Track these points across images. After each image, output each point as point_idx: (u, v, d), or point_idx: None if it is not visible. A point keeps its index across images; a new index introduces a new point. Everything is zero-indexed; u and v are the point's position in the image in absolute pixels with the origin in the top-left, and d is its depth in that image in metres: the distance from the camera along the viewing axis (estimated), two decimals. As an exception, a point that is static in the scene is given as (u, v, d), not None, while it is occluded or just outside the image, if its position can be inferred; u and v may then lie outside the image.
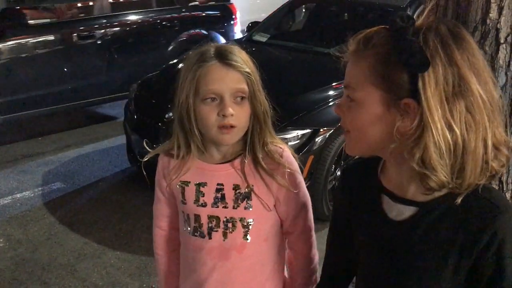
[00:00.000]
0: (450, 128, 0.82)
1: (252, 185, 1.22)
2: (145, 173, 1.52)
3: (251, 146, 1.22)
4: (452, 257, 0.88)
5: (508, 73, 1.15)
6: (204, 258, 1.27)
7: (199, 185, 1.25)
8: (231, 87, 1.15)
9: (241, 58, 1.18)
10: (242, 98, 1.17)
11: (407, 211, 0.94)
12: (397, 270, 0.95)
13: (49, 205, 3.54)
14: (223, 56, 1.16)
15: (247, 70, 1.16)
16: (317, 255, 1.34)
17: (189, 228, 1.28)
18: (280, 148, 1.25)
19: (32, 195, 3.67)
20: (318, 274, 1.26)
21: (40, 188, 3.76)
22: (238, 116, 1.16)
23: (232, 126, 1.16)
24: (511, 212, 0.88)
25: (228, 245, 1.24)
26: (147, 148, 1.34)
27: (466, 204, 0.88)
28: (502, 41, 1.14)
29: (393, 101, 0.86)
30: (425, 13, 0.88)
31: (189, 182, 1.26)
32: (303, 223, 1.30)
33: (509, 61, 1.14)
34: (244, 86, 1.16)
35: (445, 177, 0.84)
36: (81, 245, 3.07)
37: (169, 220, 1.38)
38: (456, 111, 0.82)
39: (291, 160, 1.25)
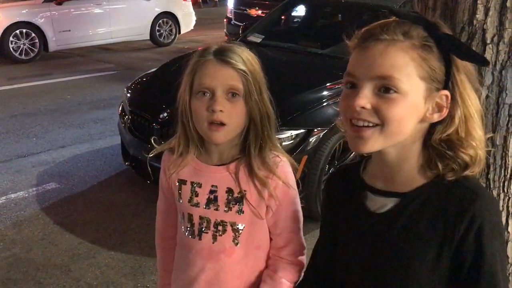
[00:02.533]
0: (479, 112, 0.92)
1: (245, 191, 1.21)
2: (150, 171, 1.53)
3: (247, 150, 1.21)
4: (434, 245, 0.90)
5: (494, 72, 1.16)
6: (193, 258, 1.27)
7: (194, 184, 1.25)
8: (223, 83, 1.14)
9: (241, 56, 1.16)
10: (235, 95, 1.15)
11: (389, 203, 0.95)
12: (381, 261, 0.97)
13: (44, 205, 3.54)
14: (220, 53, 1.16)
15: (243, 68, 1.15)
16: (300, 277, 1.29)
17: (183, 227, 1.29)
18: (279, 158, 1.23)
19: (27, 195, 3.67)
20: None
21: (34, 189, 3.76)
22: (230, 113, 1.14)
23: (222, 124, 1.15)
24: (488, 197, 0.91)
25: (217, 248, 1.24)
26: (154, 145, 1.33)
27: (444, 192, 0.90)
28: (488, 41, 1.16)
29: (431, 93, 0.89)
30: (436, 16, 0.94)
31: (186, 180, 1.26)
32: (293, 241, 1.27)
33: (495, 61, 1.15)
34: (237, 84, 1.14)
35: (483, 154, 0.91)
36: (75, 245, 3.08)
37: (165, 217, 1.39)
38: (475, 96, 0.91)
39: (286, 173, 1.22)
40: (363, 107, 0.87)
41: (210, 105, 1.14)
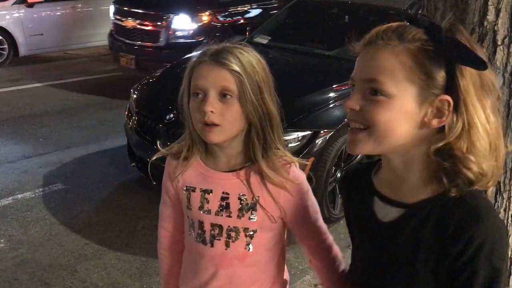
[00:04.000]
0: (489, 123, 0.85)
1: (258, 196, 1.20)
2: (150, 173, 1.52)
3: (254, 155, 1.20)
4: (432, 258, 0.89)
5: (505, 74, 1.15)
6: (205, 265, 1.26)
7: (204, 191, 1.24)
8: (215, 84, 1.13)
9: (238, 57, 1.15)
10: (227, 96, 1.14)
11: (395, 213, 0.94)
12: (383, 271, 0.97)
13: (50, 206, 3.55)
14: (216, 54, 1.15)
15: (236, 69, 1.13)
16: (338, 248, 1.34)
17: (193, 234, 1.27)
18: (286, 161, 1.21)
19: (33, 196, 3.68)
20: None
21: (41, 189, 3.77)
22: (222, 114, 1.13)
23: (214, 124, 1.14)
24: (492, 221, 0.87)
25: (230, 254, 1.24)
26: (160, 148, 1.32)
27: (448, 208, 0.87)
28: (499, 43, 1.15)
29: (427, 97, 0.86)
30: (446, 19, 0.89)
31: (195, 188, 1.25)
32: (319, 230, 1.29)
33: (506, 63, 1.14)
34: (230, 85, 1.13)
35: (487, 170, 0.86)
36: (81, 246, 3.08)
37: (174, 223, 1.37)
38: (489, 108, 0.86)
39: (297, 175, 1.22)
40: (352, 109, 0.89)
41: (201, 106, 1.14)
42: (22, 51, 7.68)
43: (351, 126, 0.91)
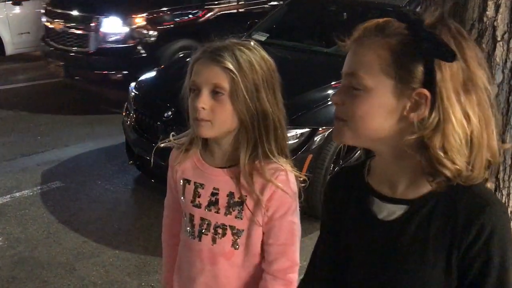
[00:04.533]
0: (468, 119, 0.84)
1: (245, 196, 1.20)
2: (152, 160, 1.53)
3: (240, 155, 1.19)
4: (443, 253, 0.88)
5: (504, 70, 1.15)
6: (194, 259, 1.28)
7: (197, 185, 1.26)
8: (208, 81, 1.15)
9: (236, 56, 1.15)
10: (219, 93, 1.14)
11: (398, 210, 0.93)
12: (390, 270, 0.95)
13: (48, 204, 3.54)
14: (213, 51, 1.16)
15: (230, 67, 1.13)
16: None
17: (185, 226, 1.29)
18: (279, 166, 1.18)
19: (31, 194, 3.67)
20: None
21: (39, 187, 3.76)
22: (214, 110, 1.15)
23: (205, 120, 1.15)
24: (498, 206, 0.88)
25: (216, 250, 1.24)
26: (172, 140, 1.32)
27: (454, 198, 0.88)
28: (499, 38, 1.14)
29: (404, 91, 0.85)
30: (432, 13, 0.88)
31: (190, 180, 1.27)
32: (285, 255, 1.22)
33: (505, 59, 1.14)
34: (222, 83, 1.14)
35: (462, 166, 0.85)
36: (80, 244, 3.08)
37: (172, 213, 1.41)
38: (471, 103, 0.84)
39: (286, 182, 1.18)
40: (336, 103, 0.92)
41: (194, 102, 1.16)
42: (9, 50, 7.46)
43: (335, 116, 0.93)
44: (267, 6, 6.21)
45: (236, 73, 1.14)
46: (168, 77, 3.90)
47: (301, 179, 1.24)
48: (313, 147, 3.08)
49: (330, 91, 3.36)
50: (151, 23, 5.37)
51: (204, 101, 1.14)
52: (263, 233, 1.23)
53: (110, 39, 5.19)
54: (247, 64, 1.15)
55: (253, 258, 1.25)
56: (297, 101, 3.20)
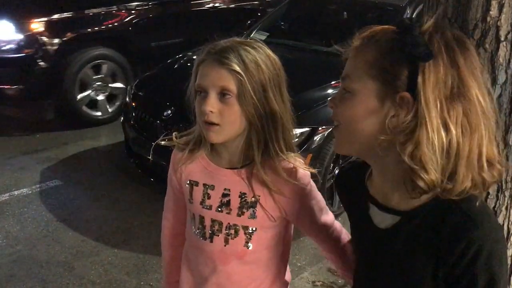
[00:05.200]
0: (446, 128, 0.82)
1: (259, 196, 1.19)
2: (151, 153, 1.51)
3: (252, 156, 1.18)
4: (430, 266, 0.88)
5: (508, 71, 1.14)
6: (205, 260, 1.27)
7: (207, 187, 1.24)
8: (214, 83, 1.13)
9: (241, 56, 1.13)
10: (227, 95, 1.13)
11: (390, 220, 0.94)
12: (380, 277, 0.97)
13: (47, 202, 3.53)
14: (218, 53, 1.14)
15: (236, 69, 1.12)
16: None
17: (193, 228, 1.28)
18: (291, 165, 1.18)
19: (30, 192, 3.66)
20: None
21: (38, 185, 3.75)
22: (221, 113, 1.13)
23: (213, 124, 1.14)
24: (488, 224, 0.85)
25: (229, 251, 1.23)
26: (174, 139, 1.30)
27: (442, 214, 0.86)
28: (502, 39, 1.14)
29: (389, 94, 0.86)
30: (432, 19, 0.87)
31: (198, 182, 1.25)
32: (325, 225, 1.27)
33: (509, 59, 1.13)
34: (230, 85, 1.12)
35: (435, 176, 0.82)
36: (78, 243, 3.07)
37: (176, 215, 1.39)
38: (453, 112, 0.82)
39: (301, 177, 1.19)
40: (330, 107, 0.95)
41: (201, 105, 1.14)
42: None
43: (333, 121, 0.95)
44: (202, 8, 5.61)
45: (243, 74, 1.12)
46: (168, 76, 3.89)
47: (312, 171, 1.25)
48: (313, 146, 3.08)
49: (330, 91, 3.36)
50: (53, 28, 4.50)
51: (212, 104, 1.13)
52: (301, 225, 1.27)
53: (1, 48, 4.38)
54: (253, 65, 1.14)
55: (264, 255, 1.26)
56: (297, 101, 3.14)
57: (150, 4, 5.14)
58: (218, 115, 1.13)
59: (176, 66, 3.99)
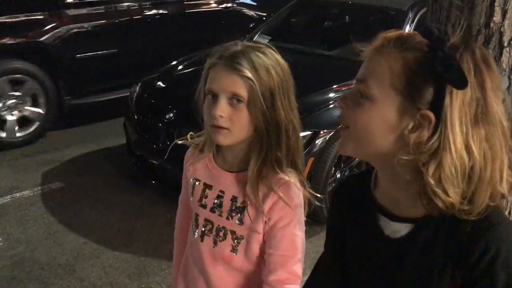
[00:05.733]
0: (469, 152, 0.80)
1: (247, 202, 1.19)
2: (167, 154, 1.52)
3: (250, 161, 1.18)
4: (447, 272, 0.86)
5: (511, 76, 1.15)
6: (197, 259, 1.29)
7: (206, 186, 1.27)
8: (226, 89, 1.13)
9: (253, 62, 1.13)
10: (239, 101, 1.13)
11: (403, 229, 0.92)
12: (398, 286, 0.94)
13: (49, 204, 3.53)
14: (231, 58, 1.14)
15: (249, 75, 1.11)
16: None
17: (192, 226, 1.31)
18: (285, 177, 1.16)
19: (32, 194, 3.67)
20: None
21: (39, 188, 3.75)
22: (231, 119, 1.13)
23: (222, 128, 1.14)
24: (504, 226, 0.85)
25: (216, 253, 1.24)
26: (188, 139, 1.32)
27: (459, 218, 0.85)
28: (505, 44, 1.14)
29: (409, 109, 0.82)
30: (457, 32, 0.85)
31: (200, 180, 1.28)
32: (285, 267, 1.17)
33: (512, 65, 1.14)
34: (241, 91, 1.12)
35: (455, 199, 0.81)
36: (80, 245, 3.07)
37: (184, 209, 1.43)
38: (477, 136, 0.81)
39: (289, 193, 1.16)
40: (341, 107, 0.90)
41: (211, 109, 1.14)
42: None
43: (339, 122, 0.91)
44: (140, 17, 5.03)
45: (255, 81, 1.12)
46: (170, 79, 3.90)
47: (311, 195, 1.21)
48: (315, 150, 3.08)
49: (332, 94, 3.36)
50: None
51: (222, 109, 1.12)
52: (264, 242, 1.21)
53: None
54: (264, 71, 1.13)
55: (252, 265, 1.25)
56: (299, 104, 3.18)
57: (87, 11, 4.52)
58: (227, 120, 1.13)
59: (178, 69, 4.00)
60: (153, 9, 5.12)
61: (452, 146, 0.79)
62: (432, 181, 0.81)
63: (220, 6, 5.74)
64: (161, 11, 5.17)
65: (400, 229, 0.92)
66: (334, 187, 3.22)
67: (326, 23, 4.91)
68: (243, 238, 1.22)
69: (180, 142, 1.33)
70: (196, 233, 1.28)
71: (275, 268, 1.17)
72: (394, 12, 4.21)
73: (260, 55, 1.15)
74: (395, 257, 0.93)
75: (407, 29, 3.90)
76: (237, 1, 6.05)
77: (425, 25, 0.88)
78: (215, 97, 1.14)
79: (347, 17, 4.85)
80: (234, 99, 1.13)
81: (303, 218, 1.19)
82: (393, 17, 4.17)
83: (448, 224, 0.86)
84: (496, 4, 1.13)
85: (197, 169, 1.29)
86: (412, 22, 3.99)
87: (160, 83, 3.89)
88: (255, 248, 1.23)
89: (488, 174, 0.82)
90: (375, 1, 4.57)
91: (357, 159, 3.32)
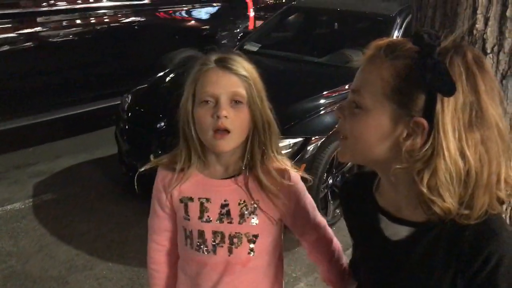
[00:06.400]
0: (463, 157, 0.80)
1: (258, 201, 1.21)
2: (136, 183, 1.50)
3: (251, 160, 1.20)
4: (447, 277, 0.86)
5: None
6: (209, 274, 1.26)
7: (203, 201, 1.24)
8: (227, 90, 1.13)
9: (241, 64, 1.17)
10: (239, 102, 1.15)
11: (403, 231, 0.92)
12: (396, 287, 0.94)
13: (40, 216, 3.50)
14: (221, 60, 1.16)
15: (245, 74, 1.15)
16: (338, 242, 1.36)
17: (191, 244, 1.26)
18: (283, 166, 1.23)
19: (23, 206, 3.64)
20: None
21: (31, 200, 3.73)
22: (234, 120, 1.14)
23: (226, 130, 1.14)
24: (506, 235, 0.84)
25: (233, 260, 1.24)
26: (152, 160, 1.30)
27: (461, 224, 0.84)
28: (488, 51, 1.16)
29: (403, 117, 0.83)
30: (451, 36, 0.84)
31: (193, 198, 1.24)
32: (318, 225, 1.31)
33: (495, 71, 1.16)
34: (241, 90, 1.14)
35: (452, 205, 0.81)
36: (72, 257, 3.05)
37: (168, 235, 1.35)
38: (471, 140, 0.80)
39: (293, 178, 1.24)
40: (338, 117, 0.92)
41: (215, 111, 1.13)
42: None
43: (337, 131, 0.94)
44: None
45: (251, 79, 1.16)
46: (161, 88, 3.90)
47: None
48: (306, 156, 3.09)
49: (322, 101, 3.38)
50: None
51: (227, 109, 1.13)
52: (289, 224, 1.29)
53: None
54: (253, 72, 1.18)
55: (267, 258, 1.27)
56: (290, 111, 3.21)
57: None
58: (231, 121, 1.14)
59: (169, 77, 4.00)
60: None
61: (446, 152, 0.79)
62: (426, 190, 0.81)
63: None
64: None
65: (400, 231, 0.92)
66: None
67: (315, 30, 4.95)
68: (258, 237, 1.23)
69: (143, 169, 1.30)
70: (205, 248, 1.24)
71: (314, 231, 1.31)
72: (382, 18, 4.25)
73: (243, 59, 1.19)
74: (394, 259, 0.93)
75: (396, 34, 3.94)
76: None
77: (416, 30, 0.86)
78: (213, 101, 1.14)
79: (336, 24, 4.89)
80: (235, 100, 1.14)
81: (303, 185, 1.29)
82: (381, 23, 4.21)
83: (450, 230, 0.85)
84: (478, 12, 1.15)
85: (183, 189, 1.24)
86: (400, 27, 4.03)
87: (150, 92, 3.89)
88: (270, 241, 1.26)
89: (485, 177, 0.81)
90: (363, 8, 4.62)
91: (348, 164, 3.34)
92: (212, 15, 5.78)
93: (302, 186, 1.27)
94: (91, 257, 3.04)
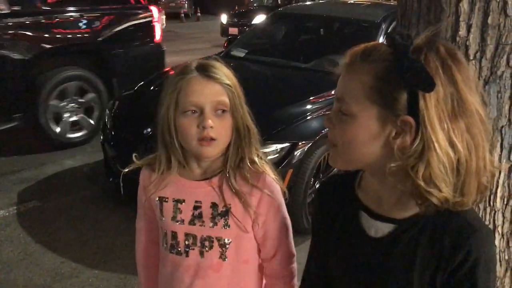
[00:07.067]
0: (453, 147, 0.83)
1: (230, 205, 1.20)
2: (121, 185, 1.50)
3: (228, 165, 1.21)
4: (427, 274, 0.88)
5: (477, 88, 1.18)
6: (181, 276, 1.25)
7: (177, 201, 1.24)
8: (211, 99, 1.14)
9: (223, 71, 1.17)
10: (223, 111, 1.16)
11: (386, 228, 0.94)
12: (375, 286, 0.95)
13: (25, 224, 3.46)
14: (203, 69, 1.16)
15: (228, 82, 1.16)
16: (297, 285, 1.30)
17: (166, 245, 1.27)
18: (261, 169, 1.22)
19: (7, 214, 3.59)
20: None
21: (15, 207, 3.68)
22: (219, 129, 1.15)
23: (212, 139, 1.15)
24: (485, 231, 0.88)
25: (205, 264, 1.23)
26: (135, 161, 1.31)
27: (441, 221, 0.88)
28: (471, 57, 1.18)
29: (389, 117, 0.85)
30: (423, 34, 0.87)
31: (167, 198, 1.25)
32: (282, 249, 1.27)
33: (478, 77, 1.18)
34: (225, 99, 1.15)
35: (449, 193, 0.84)
36: (58, 265, 3.01)
37: (148, 235, 1.37)
38: (457, 130, 0.83)
39: (269, 183, 1.22)
40: (327, 126, 0.93)
41: (200, 122, 1.14)
42: None
43: (328, 140, 0.95)
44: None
45: (233, 87, 1.17)
46: (146, 94, 3.89)
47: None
48: (294, 161, 3.10)
49: (309, 106, 3.40)
50: None
51: (212, 119, 1.14)
52: (258, 236, 1.25)
53: None
54: (233, 79, 1.19)
55: (241, 266, 1.25)
56: (277, 116, 3.23)
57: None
58: (216, 130, 1.15)
59: (155, 84, 3.99)
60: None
61: (436, 145, 0.82)
62: (423, 183, 0.83)
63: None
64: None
65: (382, 228, 0.94)
66: (318, 187, 3.24)
67: (301, 36, 4.98)
68: (231, 242, 1.22)
69: (127, 169, 1.30)
70: (178, 250, 1.24)
71: (275, 252, 1.27)
72: (368, 24, 4.30)
73: (222, 66, 1.20)
74: (376, 256, 0.95)
75: (381, 40, 3.98)
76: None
77: (387, 33, 0.89)
78: (198, 110, 1.14)
79: (322, 30, 4.93)
80: (219, 110, 1.15)
81: (283, 200, 1.27)
82: (366, 29, 4.25)
83: (431, 227, 0.88)
84: (461, 19, 1.17)
85: (161, 188, 1.25)
86: (385, 33, 4.08)
87: (137, 98, 3.87)
88: (245, 249, 1.24)
89: (474, 163, 0.85)
90: (349, 14, 4.66)
91: (335, 169, 3.36)
92: (97, 26, 4.83)
93: (278, 200, 1.24)
94: (77, 264, 3.00)
